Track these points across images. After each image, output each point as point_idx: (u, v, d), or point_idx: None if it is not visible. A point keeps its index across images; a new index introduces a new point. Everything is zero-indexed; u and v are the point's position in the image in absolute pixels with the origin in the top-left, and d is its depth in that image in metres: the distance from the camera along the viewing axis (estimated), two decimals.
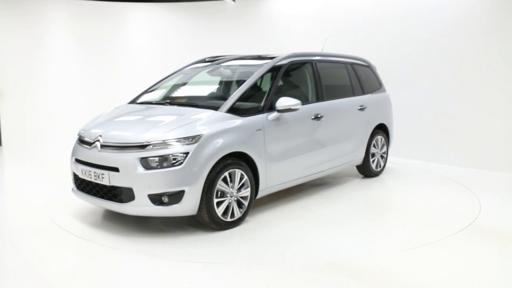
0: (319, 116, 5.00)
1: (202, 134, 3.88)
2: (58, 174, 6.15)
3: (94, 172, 3.99)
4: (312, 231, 4.07)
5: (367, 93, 5.95)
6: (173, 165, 3.74)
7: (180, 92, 5.24)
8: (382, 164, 6.21)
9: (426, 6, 7.21)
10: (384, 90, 6.34)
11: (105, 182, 3.91)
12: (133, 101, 5.15)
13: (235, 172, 4.07)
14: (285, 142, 4.63)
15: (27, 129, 9.27)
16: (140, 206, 3.80)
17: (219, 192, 3.98)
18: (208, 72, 5.47)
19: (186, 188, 3.76)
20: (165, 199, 3.79)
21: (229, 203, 4.07)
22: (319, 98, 5.14)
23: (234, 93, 4.42)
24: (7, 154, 8.34)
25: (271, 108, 4.49)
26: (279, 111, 4.45)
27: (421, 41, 7.26)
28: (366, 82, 6.04)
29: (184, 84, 5.36)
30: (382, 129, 6.15)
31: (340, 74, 5.80)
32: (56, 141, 8.90)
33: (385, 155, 6.26)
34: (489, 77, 6.61)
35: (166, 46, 10.14)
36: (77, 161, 4.24)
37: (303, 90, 5.29)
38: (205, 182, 3.86)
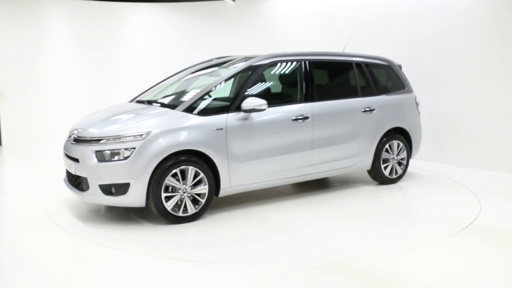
0: (303, 117, 4.85)
1: (150, 132, 4.09)
2: (58, 174, 6.15)
3: (68, 162, 4.44)
4: (260, 233, 4.04)
5: (381, 94, 5.61)
6: (123, 159, 4.01)
7: (164, 92, 5.22)
8: (399, 171, 5.74)
9: (425, 6, 7.20)
10: (409, 92, 5.95)
11: (72, 171, 4.35)
12: (131, 100, 5.31)
13: (188, 169, 4.18)
14: (255, 142, 4.57)
15: (27, 129, 9.27)
16: (94, 195, 4.16)
17: (170, 187, 4.14)
18: (200, 73, 5.43)
19: (131, 181, 4.03)
20: (113, 190, 4.08)
21: (182, 198, 4.20)
22: (307, 98, 4.98)
23: (196, 92, 4.56)
24: (7, 154, 8.34)
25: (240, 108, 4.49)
26: (244, 111, 4.46)
27: (421, 41, 7.26)
28: (381, 82, 5.73)
29: (176, 84, 5.35)
30: (401, 134, 5.74)
31: (342, 74, 5.61)
32: (56, 141, 8.88)
33: (404, 162, 5.77)
34: (489, 77, 6.60)
35: (166, 46, 10.14)
36: (64, 153, 4.61)
37: (285, 90, 5.23)
38: (152, 177, 4.07)
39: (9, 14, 8.99)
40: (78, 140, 4.28)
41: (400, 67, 6.05)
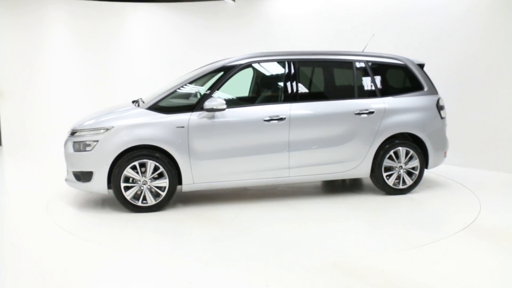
0: (278, 118, 4.75)
1: (112, 127, 4.51)
2: (57, 174, 6.15)
3: None
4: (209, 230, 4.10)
5: (387, 96, 5.16)
6: (89, 150, 4.51)
7: (154, 92, 5.31)
8: (408, 182, 5.19)
9: (426, 5, 7.21)
10: (429, 93, 5.34)
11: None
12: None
13: (147, 162, 4.51)
14: (220, 141, 4.64)
15: (27, 129, 9.27)
16: (70, 181, 4.73)
17: (131, 178, 4.53)
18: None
19: (94, 170, 4.51)
20: (81, 177, 4.57)
21: (141, 190, 4.56)
22: (286, 99, 4.86)
23: (164, 91, 4.83)
24: (7, 154, 8.34)
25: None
26: (206, 110, 4.59)
27: (420, 41, 7.26)
28: (390, 83, 5.28)
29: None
30: (415, 140, 5.27)
31: (334, 75, 5.32)
32: (56, 141, 8.89)
33: (415, 171, 5.19)
34: (489, 77, 6.61)
35: (166, 46, 10.14)
36: None
37: (262, 90, 5.20)
38: (113, 167, 4.50)
39: (9, 14, 8.99)
40: (70, 133, 4.77)
41: (421, 66, 5.51)
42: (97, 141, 4.49)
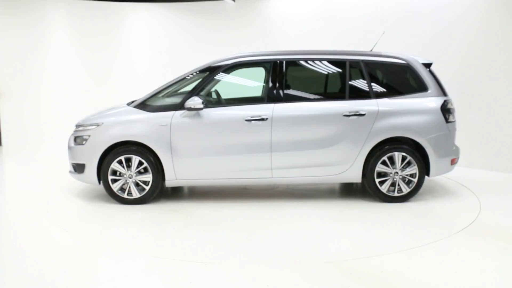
0: (260, 118, 4.71)
1: (102, 123, 4.82)
2: (57, 174, 6.15)
3: None
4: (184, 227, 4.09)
5: (383, 97, 4.87)
6: (83, 143, 4.84)
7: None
8: (404, 189, 4.86)
9: (425, 5, 7.21)
10: (435, 95, 4.95)
11: None
12: None
13: (132, 157, 4.75)
14: (201, 140, 4.75)
15: (27, 129, 9.27)
16: (71, 172, 5.07)
17: (118, 172, 4.80)
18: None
19: (86, 163, 4.83)
20: (76, 169, 4.94)
21: (126, 183, 4.81)
22: (270, 99, 4.80)
23: (152, 90, 5.06)
24: (7, 154, 8.33)
25: None
26: (186, 109, 4.71)
27: (420, 41, 7.25)
28: (388, 83, 5.02)
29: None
30: (413, 145, 4.90)
31: (324, 75, 5.18)
32: (56, 141, 8.90)
33: (414, 178, 4.85)
34: (489, 76, 6.60)
35: (165, 46, 10.15)
36: None
37: (248, 90, 5.25)
38: (101, 161, 4.78)
39: (9, 14, 8.98)
40: (75, 127, 5.10)
41: (427, 65, 5.08)
42: (90, 136, 4.81)
